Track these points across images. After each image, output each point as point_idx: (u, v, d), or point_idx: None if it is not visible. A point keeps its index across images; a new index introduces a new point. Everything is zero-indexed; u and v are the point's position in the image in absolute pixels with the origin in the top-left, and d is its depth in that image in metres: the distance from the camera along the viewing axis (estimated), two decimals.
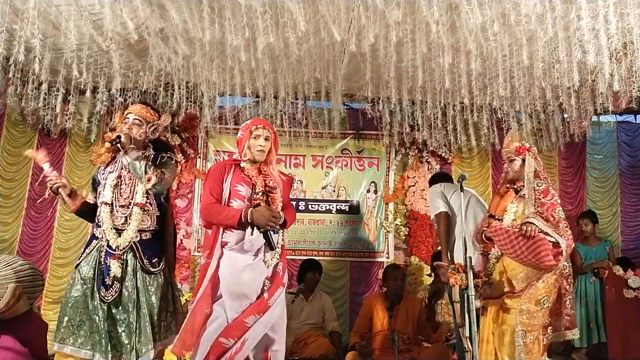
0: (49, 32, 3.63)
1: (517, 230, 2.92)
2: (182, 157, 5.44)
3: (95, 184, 2.96)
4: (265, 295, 2.80)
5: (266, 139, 2.94)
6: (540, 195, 3.10)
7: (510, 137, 3.30)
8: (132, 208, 2.84)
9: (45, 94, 4.01)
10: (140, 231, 2.87)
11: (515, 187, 3.22)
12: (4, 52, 3.43)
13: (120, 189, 2.88)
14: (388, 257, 5.48)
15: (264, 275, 2.84)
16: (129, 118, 2.94)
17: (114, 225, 2.82)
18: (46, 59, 3.75)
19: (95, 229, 2.90)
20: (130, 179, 2.90)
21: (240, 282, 2.81)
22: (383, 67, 4.00)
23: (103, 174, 2.92)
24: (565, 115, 5.00)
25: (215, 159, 5.54)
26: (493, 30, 3.07)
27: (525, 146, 3.18)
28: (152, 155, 2.97)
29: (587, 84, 4.05)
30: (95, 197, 2.92)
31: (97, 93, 4.44)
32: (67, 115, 4.75)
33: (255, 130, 2.95)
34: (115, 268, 2.76)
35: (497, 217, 3.16)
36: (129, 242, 2.82)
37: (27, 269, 3.10)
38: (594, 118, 5.13)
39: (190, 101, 4.72)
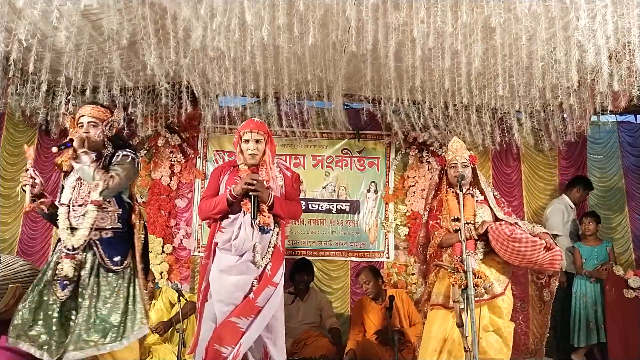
0: (49, 31, 3.63)
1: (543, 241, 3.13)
2: (182, 157, 5.45)
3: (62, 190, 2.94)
4: (251, 295, 2.80)
5: (257, 141, 2.96)
6: (501, 200, 3.48)
7: (459, 143, 3.50)
8: (87, 206, 2.80)
9: (46, 93, 4.01)
10: (99, 230, 2.82)
11: (470, 192, 3.37)
12: (4, 52, 3.43)
13: (79, 189, 2.85)
14: (388, 257, 5.48)
15: (253, 275, 2.86)
16: (82, 121, 2.91)
17: (70, 225, 2.80)
18: (46, 59, 3.75)
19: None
20: None
21: (225, 282, 2.84)
22: (384, 67, 4.00)
23: (66, 179, 2.93)
24: (565, 115, 4.99)
25: (215, 159, 5.54)
26: (493, 29, 3.07)
27: (474, 155, 3.49)
28: (110, 154, 2.94)
29: (587, 84, 4.05)
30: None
31: (98, 93, 4.44)
32: (67, 115, 4.74)
33: (244, 135, 2.98)
34: (67, 267, 2.71)
35: (470, 222, 3.23)
36: (85, 241, 2.77)
37: (27, 270, 3.12)
38: (594, 118, 5.13)
39: (191, 101, 4.71)
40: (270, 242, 2.93)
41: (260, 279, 2.87)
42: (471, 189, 3.40)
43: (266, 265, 2.89)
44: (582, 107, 4.35)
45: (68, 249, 2.76)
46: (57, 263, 2.77)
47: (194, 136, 5.52)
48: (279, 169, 3.11)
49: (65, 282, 2.71)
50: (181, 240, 5.34)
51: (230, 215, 2.94)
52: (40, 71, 3.78)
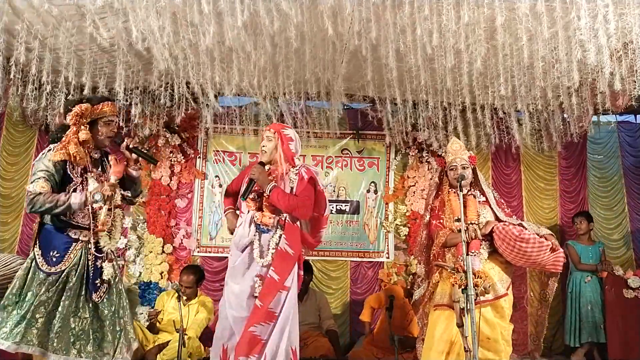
0: (49, 32, 3.63)
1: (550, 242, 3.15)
2: (182, 157, 5.44)
3: (60, 180, 2.66)
4: (258, 302, 2.82)
5: (266, 138, 3.02)
6: (500, 201, 3.46)
7: (458, 144, 3.49)
8: (115, 210, 2.74)
9: (47, 94, 4.01)
10: None
11: (472, 192, 3.37)
12: (5, 52, 3.43)
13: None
14: (388, 257, 5.48)
15: (254, 272, 2.89)
16: (112, 119, 2.77)
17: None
18: (47, 59, 3.75)
19: (72, 231, 2.67)
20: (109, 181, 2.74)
21: (232, 288, 2.92)
22: (385, 67, 3.99)
23: (74, 170, 2.69)
24: (565, 115, 4.99)
25: (215, 159, 5.55)
26: (494, 28, 3.07)
27: (474, 155, 3.46)
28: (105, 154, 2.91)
29: (587, 83, 4.05)
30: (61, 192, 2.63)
31: (97, 93, 4.43)
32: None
33: (262, 133, 3.14)
34: (111, 271, 2.68)
35: (474, 223, 3.22)
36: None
37: None
38: (594, 118, 5.13)
39: (190, 101, 4.71)
40: (270, 243, 2.94)
41: (264, 281, 2.88)
42: (472, 189, 3.39)
43: (269, 267, 2.90)
44: (583, 107, 4.35)
45: (100, 252, 2.69)
46: (87, 265, 2.65)
47: (194, 136, 5.51)
48: (297, 171, 3.10)
49: (102, 283, 2.69)
50: (181, 240, 5.34)
51: (242, 215, 3.07)
52: (40, 72, 3.77)
